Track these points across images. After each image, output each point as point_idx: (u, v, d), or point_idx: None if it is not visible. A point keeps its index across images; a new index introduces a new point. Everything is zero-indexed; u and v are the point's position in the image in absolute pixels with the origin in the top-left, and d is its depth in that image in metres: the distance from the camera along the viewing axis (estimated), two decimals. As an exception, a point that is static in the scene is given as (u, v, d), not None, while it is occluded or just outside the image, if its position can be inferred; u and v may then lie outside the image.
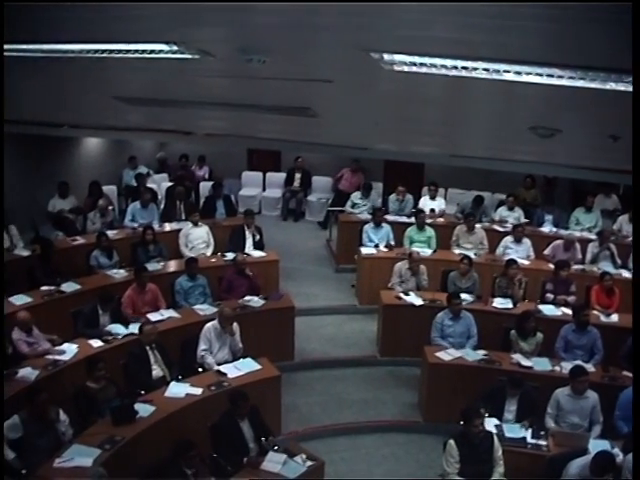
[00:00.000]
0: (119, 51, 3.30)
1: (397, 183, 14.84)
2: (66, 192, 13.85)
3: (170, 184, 15.67)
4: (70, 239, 12.79)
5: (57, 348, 9.02)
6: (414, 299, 10.83)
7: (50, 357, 8.84)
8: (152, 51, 3.29)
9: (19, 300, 10.22)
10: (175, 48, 3.25)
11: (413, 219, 13.31)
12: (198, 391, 8.24)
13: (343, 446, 8.98)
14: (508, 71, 3.34)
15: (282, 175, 17.13)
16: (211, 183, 15.34)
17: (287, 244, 13.95)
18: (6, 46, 3.69)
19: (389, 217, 13.74)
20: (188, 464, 6.61)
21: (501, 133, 6.17)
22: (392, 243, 12.75)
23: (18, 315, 9.05)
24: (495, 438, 7.33)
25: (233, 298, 10.56)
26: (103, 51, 3.34)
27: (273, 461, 7.15)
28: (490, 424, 7.69)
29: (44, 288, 10.65)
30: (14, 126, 9.38)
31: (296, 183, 16.63)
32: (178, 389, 8.24)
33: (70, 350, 9.00)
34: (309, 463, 7.20)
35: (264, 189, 17.26)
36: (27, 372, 8.48)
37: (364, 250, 12.57)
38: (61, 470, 6.87)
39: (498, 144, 6.86)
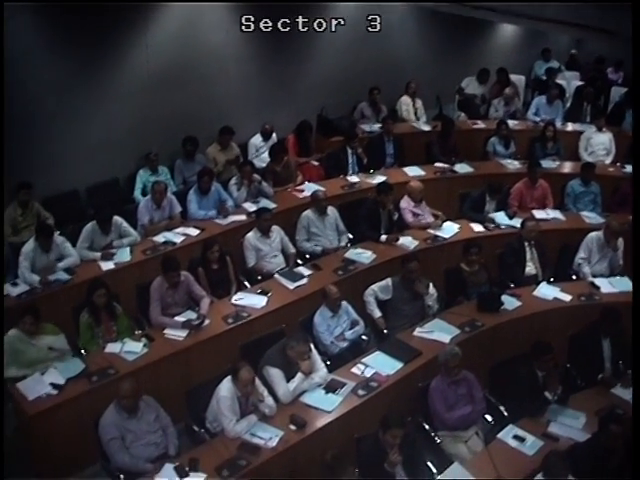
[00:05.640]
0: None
1: None
2: (485, 78, 14.02)
3: (580, 83, 15.10)
4: (471, 122, 13.05)
5: (440, 224, 9.34)
6: None
7: (431, 231, 9.20)
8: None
9: (412, 171, 10.76)
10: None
11: None
12: (567, 297, 8.04)
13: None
14: None
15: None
16: (624, 90, 14.45)
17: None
18: None
19: None
20: (541, 366, 6.55)
21: None
22: None
23: (410, 184, 9.50)
24: None
25: (624, 212, 10.03)
26: None
27: (622, 389, 6.83)
28: None
29: (438, 165, 11.04)
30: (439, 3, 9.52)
31: None
32: (547, 291, 8.13)
33: (451, 229, 9.28)
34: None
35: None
36: (407, 241, 8.94)
37: None
38: (420, 339, 7.24)
39: None
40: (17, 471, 6.58)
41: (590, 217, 9.81)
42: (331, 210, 9.17)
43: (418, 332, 7.33)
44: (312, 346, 6.65)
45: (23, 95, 8.96)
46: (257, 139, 11.24)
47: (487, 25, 15.66)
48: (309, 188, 10.01)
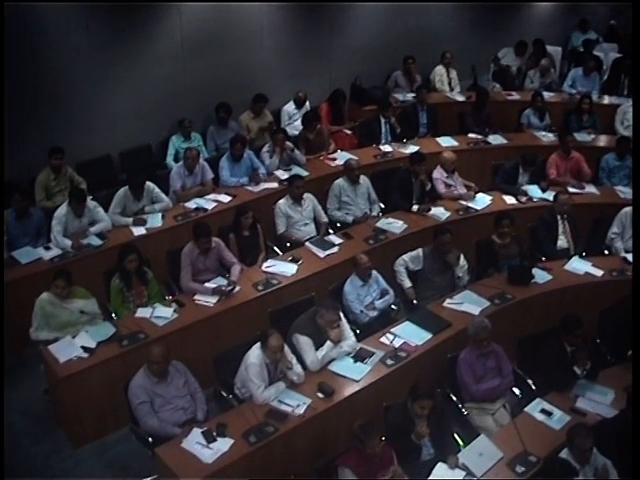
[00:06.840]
0: None
1: None
2: (523, 51, 13.92)
3: (618, 55, 14.83)
4: (506, 93, 12.94)
5: (472, 195, 9.28)
6: None
7: (463, 203, 9.15)
8: None
9: (445, 142, 10.73)
10: None
11: None
12: (598, 272, 7.95)
13: None
14: None
15: None
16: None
17: None
18: None
19: None
20: (570, 341, 6.50)
21: None
22: None
23: (443, 154, 9.45)
24: None
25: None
26: None
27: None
28: None
29: (471, 135, 11.00)
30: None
31: None
32: (579, 265, 8.04)
33: (483, 201, 9.23)
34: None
35: None
36: (439, 212, 8.90)
37: None
38: (449, 310, 7.22)
39: None
40: (46, 433, 6.70)
41: (624, 192, 9.66)
42: (363, 179, 9.15)
43: (448, 303, 7.31)
44: (341, 314, 6.66)
45: (56, 60, 9.01)
46: (290, 107, 11.23)
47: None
48: (342, 157, 10.01)
